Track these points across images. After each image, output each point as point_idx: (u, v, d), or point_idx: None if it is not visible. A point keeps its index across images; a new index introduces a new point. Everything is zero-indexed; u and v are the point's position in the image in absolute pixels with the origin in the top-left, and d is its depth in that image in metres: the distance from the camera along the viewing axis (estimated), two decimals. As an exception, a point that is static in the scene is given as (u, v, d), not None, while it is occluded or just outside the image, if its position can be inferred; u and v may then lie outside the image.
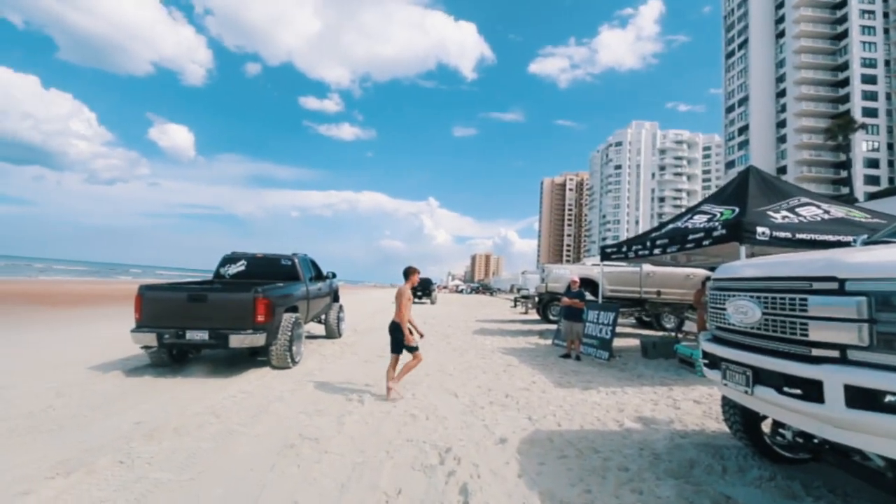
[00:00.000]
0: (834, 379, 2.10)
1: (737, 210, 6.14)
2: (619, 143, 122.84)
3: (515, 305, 26.06)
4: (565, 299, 8.71)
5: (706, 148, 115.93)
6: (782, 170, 62.39)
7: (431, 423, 4.36)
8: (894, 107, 59.51)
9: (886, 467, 2.44)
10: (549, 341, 10.41)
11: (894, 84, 59.43)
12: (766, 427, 3.43)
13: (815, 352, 2.24)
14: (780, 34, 65.45)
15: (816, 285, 2.28)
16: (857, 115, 56.60)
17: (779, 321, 2.45)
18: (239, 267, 8.19)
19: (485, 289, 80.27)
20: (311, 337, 9.79)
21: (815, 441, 2.72)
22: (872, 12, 60.33)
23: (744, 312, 2.69)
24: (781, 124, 64.22)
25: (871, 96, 59.34)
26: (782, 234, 5.24)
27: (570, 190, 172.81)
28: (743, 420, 3.42)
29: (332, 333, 9.71)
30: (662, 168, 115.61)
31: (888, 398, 1.93)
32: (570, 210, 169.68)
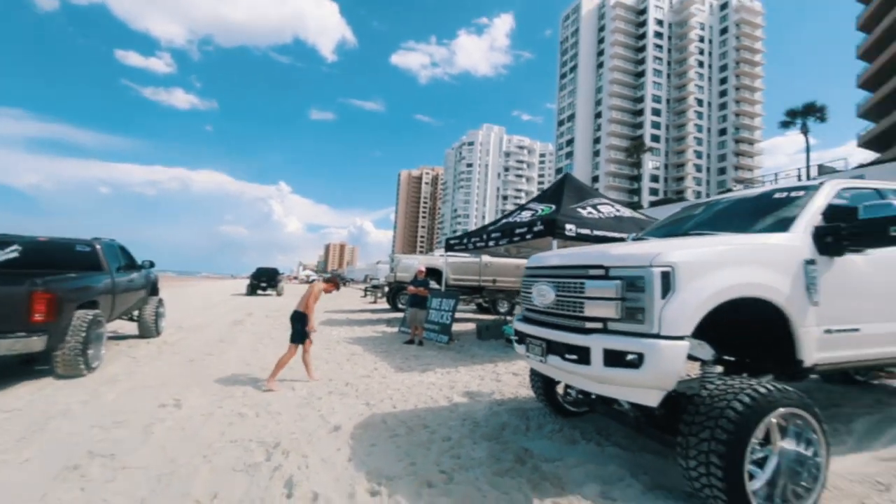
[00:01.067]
0: (597, 345, 2.65)
1: (553, 207, 7.19)
2: (471, 143, 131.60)
3: (366, 295, 25.90)
4: (411, 287, 9.07)
5: (542, 155, 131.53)
6: (596, 178, 74.95)
7: (262, 419, 4.11)
8: (671, 136, 76.43)
9: (630, 409, 3.18)
10: (396, 329, 10.71)
11: (671, 119, 76.31)
12: (560, 390, 4.13)
13: (588, 325, 2.78)
14: (600, 65, 78.18)
15: (591, 272, 2.83)
16: (647, 140, 71.19)
17: (566, 301, 2.96)
18: (8, 254, 6.42)
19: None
20: (120, 337, 8.28)
21: (592, 396, 3.41)
22: (661, 59, 76.27)
23: (543, 295, 3.18)
24: (597, 140, 76.95)
25: (656, 126, 75.17)
26: (584, 231, 6.34)
27: (426, 183, 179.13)
28: (543, 385, 4.06)
29: (148, 332, 8.35)
30: (507, 169, 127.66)
31: (629, 356, 2.50)
32: (425, 203, 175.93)
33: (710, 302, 2.49)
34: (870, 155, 34.82)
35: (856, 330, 2.85)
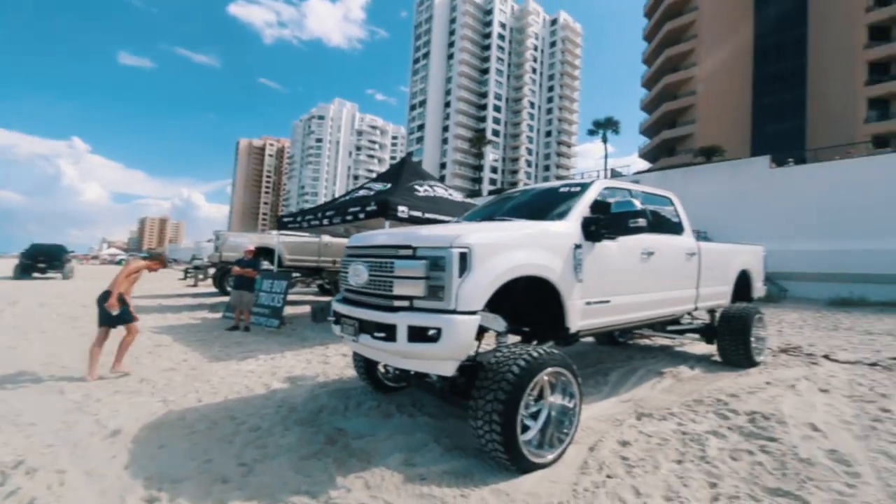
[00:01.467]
0: (402, 322, 2.76)
1: (390, 185, 7.27)
2: (321, 117, 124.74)
3: (185, 277, 22.28)
4: (236, 268, 8.23)
5: (395, 137, 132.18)
6: (444, 165, 78.81)
7: (4, 436, 3.24)
8: (509, 132, 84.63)
9: (438, 380, 3.44)
10: (220, 314, 9.64)
11: (509, 116, 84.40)
12: (381, 368, 4.24)
13: (396, 303, 2.87)
14: (451, 56, 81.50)
15: (401, 252, 2.93)
16: (489, 134, 77.54)
17: (377, 281, 3.01)
18: None
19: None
20: None
21: (412, 372, 3.59)
22: (503, 60, 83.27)
23: (358, 275, 3.18)
24: (446, 129, 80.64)
25: (497, 121, 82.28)
26: (416, 213, 6.57)
27: (270, 156, 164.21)
28: (365, 364, 4.11)
29: None
30: (359, 148, 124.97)
31: (429, 331, 2.68)
32: (268, 177, 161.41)
33: (499, 280, 2.81)
34: (646, 164, 44.38)
35: (607, 301, 3.57)
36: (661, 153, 42.43)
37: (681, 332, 5.76)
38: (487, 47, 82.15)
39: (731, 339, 5.22)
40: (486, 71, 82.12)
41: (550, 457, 2.79)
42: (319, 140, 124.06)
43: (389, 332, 2.83)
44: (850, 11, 33.33)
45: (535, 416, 2.94)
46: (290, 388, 4.52)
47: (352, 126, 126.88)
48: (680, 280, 4.45)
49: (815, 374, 5.05)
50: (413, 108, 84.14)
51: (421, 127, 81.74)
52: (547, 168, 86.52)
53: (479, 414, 2.68)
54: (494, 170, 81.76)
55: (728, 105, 37.98)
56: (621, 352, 6.23)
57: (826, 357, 6.17)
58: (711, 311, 5.73)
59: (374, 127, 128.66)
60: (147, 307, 11.13)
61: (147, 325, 8.28)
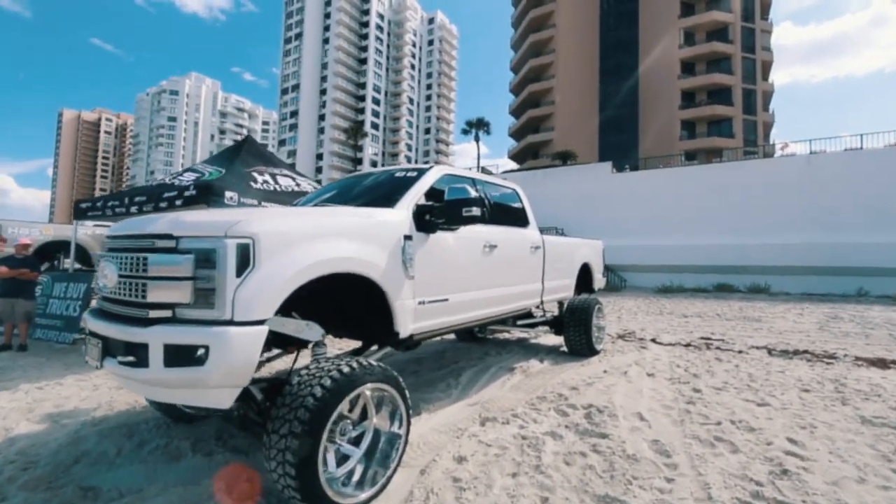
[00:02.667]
0: (156, 339, 1.99)
1: (223, 171, 6.11)
2: (175, 92, 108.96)
3: None
4: (3, 269, 6.20)
5: (265, 122, 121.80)
6: (320, 156, 74.89)
7: None
8: (388, 126, 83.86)
9: (236, 408, 2.70)
10: (-14, 329, 7.27)
11: (389, 110, 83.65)
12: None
13: (152, 314, 2.06)
14: (326, 41, 77.46)
15: (158, 243, 2.12)
16: (368, 126, 75.83)
17: (128, 283, 2.16)
18: None
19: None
20: None
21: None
22: (382, 52, 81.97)
23: (106, 276, 2.27)
24: (322, 117, 76.64)
25: (376, 114, 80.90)
26: (250, 201, 5.57)
27: (108, 133, 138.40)
28: (152, 391, 3.14)
29: None
30: (223, 132, 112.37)
31: (192, 351, 1.95)
32: (105, 158, 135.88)
33: (297, 279, 2.20)
34: (515, 165, 47.67)
35: (445, 300, 3.20)
36: (528, 156, 46.00)
37: (532, 326, 5.82)
38: (365, 36, 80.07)
39: (575, 329, 5.39)
40: (364, 61, 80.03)
41: (365, 496, 2.27)
42: (173, 119, 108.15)
43: (140, 354, 2.02)
44: (669, 44, 39.95)
45: (356, 442, 2.42)
46: (45, 431, 3.31)
47: (213, 106, 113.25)
48: (525, 274, 4.35)
49: (644, 358, 5.47)
50: (285, 91, 78.16)
51: (294, 113, 76.38)
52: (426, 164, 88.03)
53: (272, 453, 2.05)
54: (374, 164, 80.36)
55: (580, 115, 42.72)
56: (479, 348, 6.11)
57: (653, 341, 6.86)
58: (561, 304, 5.90)
59: (240, 109, 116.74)
60: None
61: None
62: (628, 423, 3.22)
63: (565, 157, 30.20)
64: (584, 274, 6.17)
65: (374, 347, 3.28)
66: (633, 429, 3.13)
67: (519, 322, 5.28)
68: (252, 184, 6.05)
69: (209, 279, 2.02)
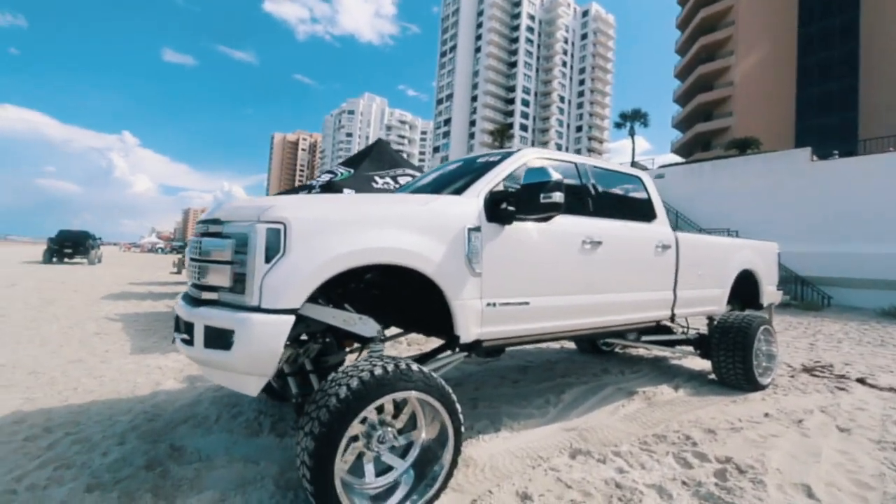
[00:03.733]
0: (200, 320, 2.02)
1: (352, 171, 6.54)
2: (351, 112, 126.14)
3: (179, 271, 18.98)
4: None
5: (424, 132, 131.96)
6: (470, 161, 77.82)
7: None
8: (537, 127, 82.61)
9: (296, 395, 2.69)
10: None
11: (538, 111, 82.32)
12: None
13: (204, 295, 2.11)
14: (478, 49, 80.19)
15: (211, 228, 2.17)
16: (516, 128, 75.83)
17: (194, 266, 2.26)
18: None
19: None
20: None
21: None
22: (532, 53, 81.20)
23: (188, 259, 2.44)
24: (473, 123, 79.54)
25: (525, 116, 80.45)
26: (369, 197, 5.80)
27: (303, 150, 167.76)
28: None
29: None
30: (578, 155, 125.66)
31: (222, 334, 1.91)
32: (301, 171, 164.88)
33: (328, 268, 2.01)
34: (679, 160, 41.84)
35: (525, 303, 2.69)
36: (696, 148, 39.81)
37: (669, 344, 4.75)
38: (515, 40, 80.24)
39: (727, 354, 4.20)
40: (513, 64, 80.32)
41: (389, 519, 1.96)
42: (349, 135, 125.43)
43: (191, 333, 2.08)
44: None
45: (403, 454, 2.15)
46: (182, 390, 3.86)
47: (381, 121, 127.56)
48: (647, 278, 3.49)
49: (839, 404, 3.96)
50: (440, 101, 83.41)
51: (448, 121, 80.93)
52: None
53: (297, 450, 1.91)
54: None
55: (769, 96, 35.10)
56: (598, 363, 5.27)
57: (861, 381, 5.01)
58: (711, 319, 4.71)
59: (402, 122, 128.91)
60: (134, 293, 10.91)
61: (109, 311, 7.91)
62: (783, 499, 2.23)
63: (744, 146, 24.96)
64: (747, 285, 4.81)
65: (449, 353, 2.97)
66: (789, 508, 2.15)
67: (646, 338, 4.35)
68: (373, 184, 6.31)
69: (243, 264, 1.97)
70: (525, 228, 2.69)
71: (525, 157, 3.00)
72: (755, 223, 17.22)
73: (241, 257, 1.97)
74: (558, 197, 2.41)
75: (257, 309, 1.90)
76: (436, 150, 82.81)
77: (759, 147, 24.51)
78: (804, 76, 34.97)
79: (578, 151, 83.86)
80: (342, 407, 1.85)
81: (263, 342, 1.87)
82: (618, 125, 43.35)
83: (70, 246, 23.61)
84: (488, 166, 2.91)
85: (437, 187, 3.07)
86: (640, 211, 3.69)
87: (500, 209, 2.59)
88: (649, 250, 3.50)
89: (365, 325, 2.43)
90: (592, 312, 3.10)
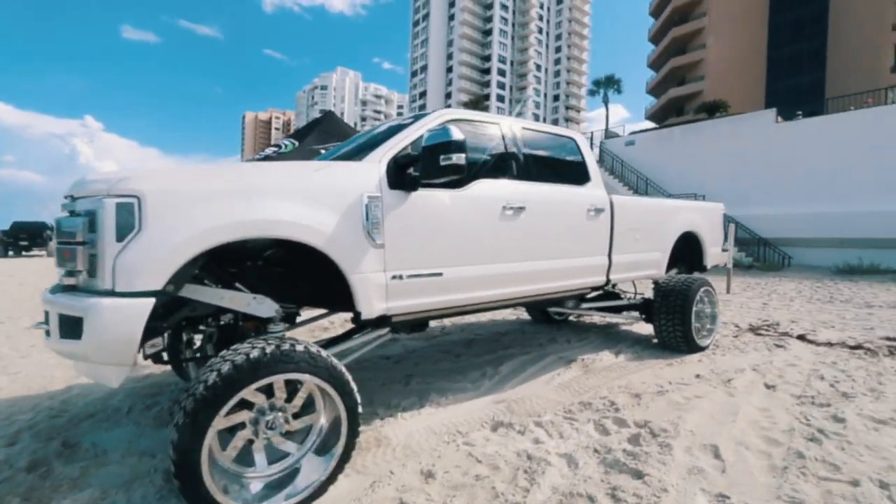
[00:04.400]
0: (54, 308, 1.83)
1: (296, 144, 6.26)
2: (324, 87, 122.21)
3: None
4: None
5: (400, 106, 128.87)
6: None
7: None
8: (514, 97, 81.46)
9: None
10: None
11: (515, 80, 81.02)
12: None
13: (66, 280, 1.91)
14: (451, 17, 77.77)
15: (67, 206, 1.95)
16: (493, 99, 74.64)
17: (56, 248, 2.04)
18: None
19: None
20: None
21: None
22: (507, 20, 79.21)
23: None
24: (449, 95, 77.91)
25: (501, 86, 79.12)
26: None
27: (276, 129, 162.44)
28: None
29: None
30: (364, 119, 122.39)
31: (74, 322, 1.73)
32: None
33: (193, 245, 1.82)
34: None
35: (438, 275, 2.56)
36: (669, 113, 39.83)
37: (616, 310, 4.74)
38: (490, 6, 78.03)
39: (668, 317, 4.20)
40: (488, 32, 78.34)
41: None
42: (323, 111, 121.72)
43: (48, 322, 1.90)
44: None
45: (303, 439, 2.05)
46: (97, 385, 3.67)
47: (355, 96, 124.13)
48: (577, 244, 3.39)
49: (772, 362, 4.02)
50: (414, 74, 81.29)
51: (423, 94, 79.14)
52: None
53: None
54: (499, 137, 79.19)
55: (740, 58, 35.12)
56: (548, 332, 5.25)
57: (801, 337, 5.12)
58: (657, 283, 4.70)
59: (378, 96, 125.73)
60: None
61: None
62: (688, 462, 2.21)
63: (713, 109, 25.02)
64: (691, 247, 4.80)
65: (373, 331, 2.84)
66: (691, 471, 2.12)
67: (588, 305, 4.31)
68: (315, 157, 6.04)
69: (93, 244, 1.77)
70: (435, 195, 2.54)
71: (440, 119, 2.81)
72: (722, 187, 17.45)
73: (92, 236, 1.78)
74: (458, 159, 2.24)
75: (111, 293, 1.72)
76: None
77: (727, 110, 24.62)
78: (775, 37, 34.99)
79: (556, 122, 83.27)
80: (209, 395, 1.72)
81: (116, 329, 1.70)
82: (591, 92, 42.97)
83: (25, 238, 22.70)
84: (399, 129, 2.72)
85: (351, 155, 2.87)
86: (573, 174, 3.56)
87: (405, 175, 2.43)
88: (580, 215, 3.39)
89: (260, 306, 2.28)
90: (518, 281, 3.00)
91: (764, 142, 16.75)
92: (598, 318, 5.90)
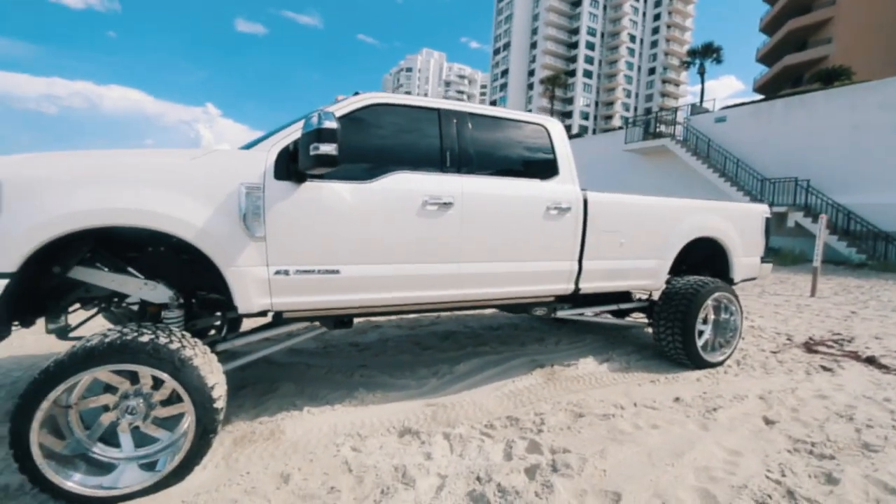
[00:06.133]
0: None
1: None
2: (409, 69, 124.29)
3: None
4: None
5: (483, 86, 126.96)
6: (530, 112, 74.03)
7: None
8: (603, 72, 76.02)
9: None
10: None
11: (604, 54, 75.40)
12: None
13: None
14: (538, -11, 74.02)
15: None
16: (579, 75, 70.31)
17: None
18: None
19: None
20: None
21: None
22: (599, -13, 73.47)
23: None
24: (532, 73, 74.95)
25: (589, 60, 74.11)
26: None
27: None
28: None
29: None
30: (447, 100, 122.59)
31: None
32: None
33: (44, 231, 1.87)
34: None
35: (334, 272, 2.40)
36: (784, 83, 34.19)
37: (620, 313, 4.22)
38: (581, -26, 72.79)
39: (667, 324, 3.62)
40: (578, 3, 73.34)
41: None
42: (409, 93, 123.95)
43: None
44: None
45: (173, 427, 2.08)
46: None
47: (439, 76, 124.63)
48: (528, 246, 2.95)
49: (796, 389, 3.28)
50: (496, 52, 79.29)
51: (505, 73, 77.03)
52: (648, 111, 76.78)
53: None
54: (585, 115, 74.78)
55: (880, 15, 28.83)
56: (539, 332, 4.83)
57: (870, 360, 4.18)
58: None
59: (461, 76, 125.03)
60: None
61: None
62: (570, 507, 1.84)
63: (830, 78, 20.77)
64: (711, 255, 4.06)
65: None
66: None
67: (565, 311, 3.84)
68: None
69: (-47, 229, 1.90)
70: (331, 188, 2.37)
71: (359, 103, 2.60)
72: (832, 171, 14.76)
73: None
74: (328, 149, 2.04)
75: (-35, 275, 1.84)
76: (492, 103, 79.56)
77: (851, 78, 20.30)
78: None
79: (650, 97, 76.35)
80: (41, 380, 1.78)
81: (-42, 314, 1.82)
82: (686, 64, 38.28)
83: None
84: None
85: (252, 144, 2.78)
86: (536, 167, 3.12)
87: (294, 165, 2.29)
88: (535, 213, 2.96)
89: (152, 291, 2.32)
90: (444, 284, 2.71)
91: (890, 116, 13.70)
92: (609, 318, 5.31)
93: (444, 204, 2.65)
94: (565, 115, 73.66)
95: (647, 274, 3.57)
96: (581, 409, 2.80)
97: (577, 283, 3.23)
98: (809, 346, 4.63)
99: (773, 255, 14.89)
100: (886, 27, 29.05)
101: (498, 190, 2.86)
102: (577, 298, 3.42)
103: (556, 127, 3.29)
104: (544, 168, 3.14)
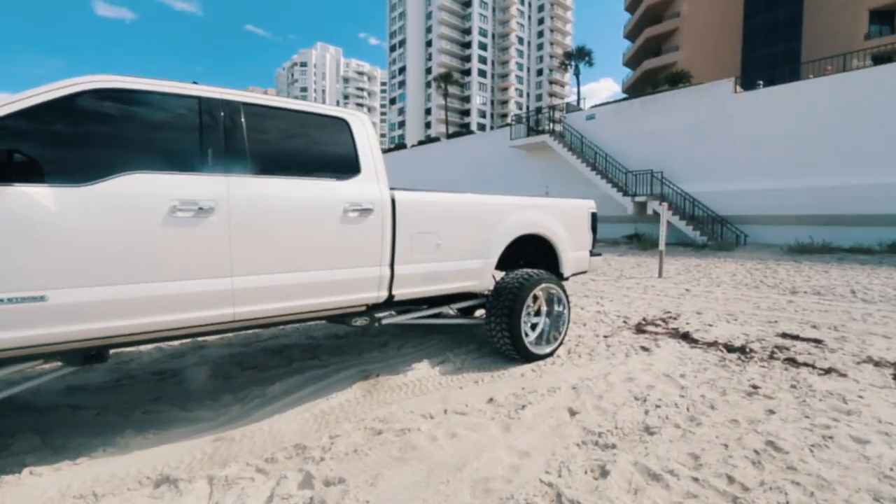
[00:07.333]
0: None
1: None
2: (304, 64, 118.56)
3: None
4: None
5: (384, 83, 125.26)
6: (429, 111, 74.73)
7: None
8: (496, 72, 79.41)
9: None
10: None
11: (497, 54, 78.81)
12: None
13: None
14: (430, -13, 74.81)
15: None
16: (474, 74, 72.61)
17: None
18: None
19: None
20: None
21: None
22: (488, -10, 76.42)
23: None
24: (429, 70, 75.64)
25: (483, 60, 76.93)
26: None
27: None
28: None
29: None
30: (346, 97, 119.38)
31: None
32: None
33: None
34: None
35: (39, 299, 1.89)
36: (644, 85, 38.64)
37: (468, 311, 4.14)
38: (470, -25, 75.12)
39: (496, 320, 3.58)
40: (468, 3, 75.63)
41: None
42: (304, 89, 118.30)
43: None
44: None
45: None
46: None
47: (337, 72, 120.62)
48: (324, 254, 2.69)
49: (609, 374, 3.42)
50: (393, 48, 78.76)
51: (402, 70, 76.83)
52: (539, 110, 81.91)
53: None
54: (483, 114, 77.56)
55: (716, 27, 33.95)
56: (388, 337, 4.63)
57: (685, 336, 4.59)
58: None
59: (360, 73, 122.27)
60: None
61: None
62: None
63: (675, 80, 24.09)
64: (544, 253, 4.15)
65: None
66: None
67: (388, 319, 3.65)
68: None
69: None
70: (24, 193, 1.84)
71: (71, 88, 2.07)
72: (680, 163, 16.81)
73: None
74: None
75: None
76: (392, 101, 79.10)
77: (690, 81, 23.67)
78: (751, 4, 33.79)
79: (539, 96, 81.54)
80: None
81: None
82: (562, 65, 41.50)
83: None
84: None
85: None
86: (329, 165, 2.83)
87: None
88: (329, 216, 2.68)
89: None
90: (212, 303, 2.32)
91: (721, 113, 16.01)
92: (453, 319, 5.29)
93: (202, 210, 2.24)
94: (464, 114, 75.68)
95: (471, 275, 3.48)
96: (383, 426, 2.58)
97: (390, 289, 3.02)
98: (640, 327, 5.01)
99: (636, 240, 16.57)
100: (720, 37, 34.14)
101: (278, 192, 2.52)
102: (393, 305, 3.22)
103: (358, 121, 3.03)
104: (342, 166, 2.86)
